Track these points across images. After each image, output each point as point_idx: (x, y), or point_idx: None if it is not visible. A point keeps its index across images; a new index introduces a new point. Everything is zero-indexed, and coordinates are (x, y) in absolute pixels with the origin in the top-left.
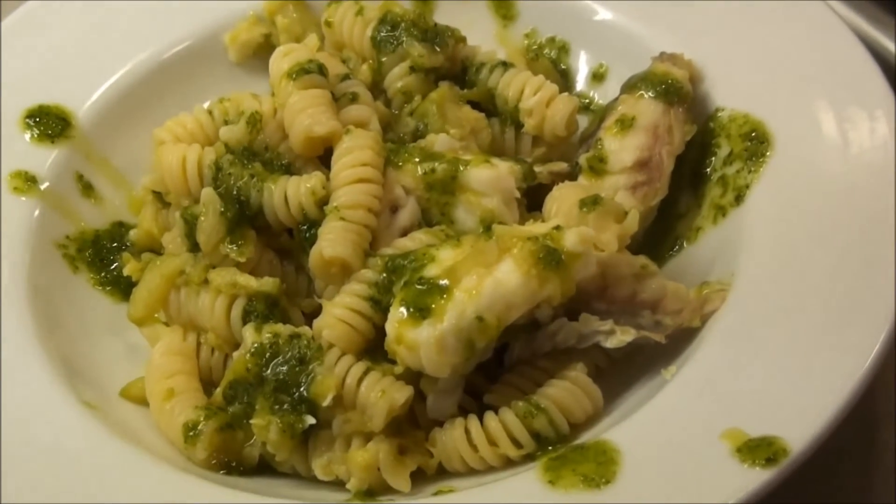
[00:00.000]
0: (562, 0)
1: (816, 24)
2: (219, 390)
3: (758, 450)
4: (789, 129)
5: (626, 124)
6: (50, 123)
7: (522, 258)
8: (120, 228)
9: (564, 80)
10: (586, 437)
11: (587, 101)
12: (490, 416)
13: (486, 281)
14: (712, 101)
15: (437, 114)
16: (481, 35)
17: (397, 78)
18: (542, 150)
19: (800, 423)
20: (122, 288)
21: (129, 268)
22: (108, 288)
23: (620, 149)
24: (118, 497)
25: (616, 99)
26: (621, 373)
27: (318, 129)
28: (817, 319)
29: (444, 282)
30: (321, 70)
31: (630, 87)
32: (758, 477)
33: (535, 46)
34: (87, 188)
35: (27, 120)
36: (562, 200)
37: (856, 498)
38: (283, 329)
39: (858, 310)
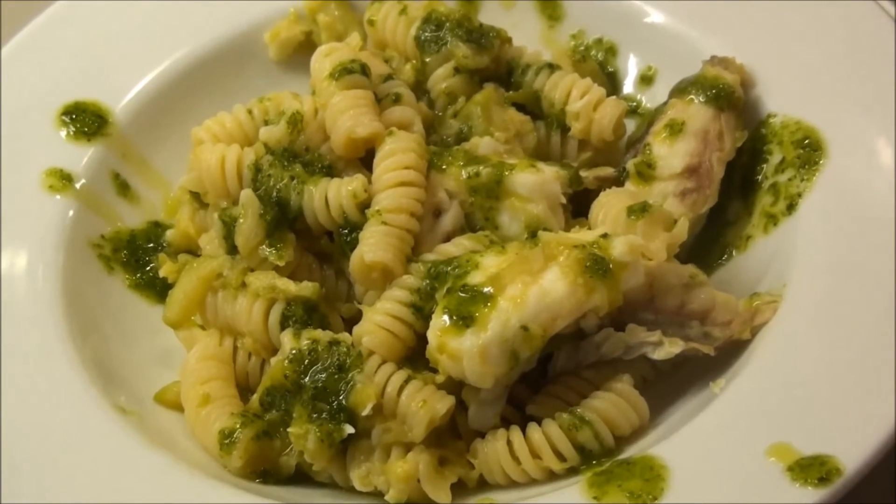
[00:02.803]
0: (610, 0)
1: (872, 29)
2: (255, 397)
3: (810, 469)
4: (843, 136)
5: (675, 129)
6: (86, 121)
7: (569, 266)
8: (156, 228)
9: (611, 82)
10: (632, 452)
11: (634, 104)
12: (533, 428)
13: (531, 289)
14: (764, 106)
15: (482, 116)
16: (526, 35)
17: (441, 79)
18: (588, 155)
19: (854, 442)
20: (158, 290)
21: (166, 269)
22: (143, 289)
23: (669, 154)
24: None
25: (665, 103)
26: (668, 385)
27: (360, 131)
28: (872, 333)
29: (488, 289)
30: (364, 70)
31: (680, 91)
32: (810, 497)
33: (581, 48)
34: (124, 187)
35: (63, 117)
36: (609, 207)
37: None
38: (323, 335)
39: None
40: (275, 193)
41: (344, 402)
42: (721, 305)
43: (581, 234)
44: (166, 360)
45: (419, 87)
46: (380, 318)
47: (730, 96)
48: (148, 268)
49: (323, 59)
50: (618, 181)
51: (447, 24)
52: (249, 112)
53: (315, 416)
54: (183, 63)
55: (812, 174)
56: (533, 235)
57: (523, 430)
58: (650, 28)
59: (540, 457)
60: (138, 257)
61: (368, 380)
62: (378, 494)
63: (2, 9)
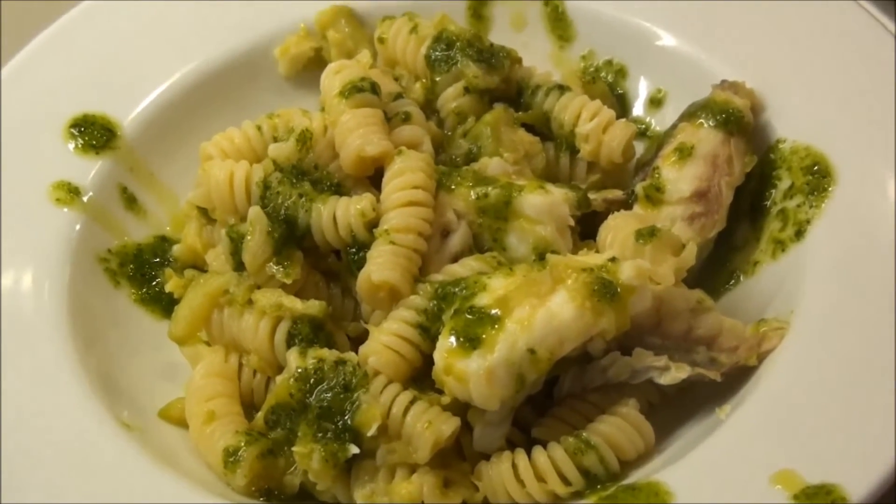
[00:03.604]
0: (621, 22)
1: (883, 55)
2: (260, 415)
3: (816, 497)
4: (853, 162)
5: (684, 153)
6: (95, 133)
7: (577, 290)
8: (163, 243)
9: (621, 104)
10: (637, 477)
11: (644, 126)
12: (538, 451)
13: (538, 312)
14: (774, 131)
15: (491, 136)
16: (537, 56)
17: (451, 98)
18: (597, 177)
19: (860, 470)
20: (164, 305)
21: (172, 284)
22: (149, 304)
23: (678, 178)
24: None
25: (674, 126)
26: (674, 410)
27: (369, 150)
28: (880, 361)
29: (495, 311)
30: (374, 89)
31: (689, 115)
32: None
33: (591, 69)
34: (131, 201)
35: (71, 129)
36: (617, 230)
37: None
38: (329, 354)
39: None
40: (283, 211)
41: (349, 421)
42: (728, 331)
43: (589, 258)
44: (171, 375)
45: (429, 107)
46: (386, 339)
47: (739, 121)
48: (154, 282)
49: (333, 77)
50: (626, 204)
51: (458, 44)
52: (258, 128)
53: (320, 435)
54: (192, 77)
55: (821, 201)
56: (541, 258)
57: (528, 452)
58: (660, 51)
59: (545, 480)
60: (144, 272)
61: (374, 400)
62: None
63: (2, 19)
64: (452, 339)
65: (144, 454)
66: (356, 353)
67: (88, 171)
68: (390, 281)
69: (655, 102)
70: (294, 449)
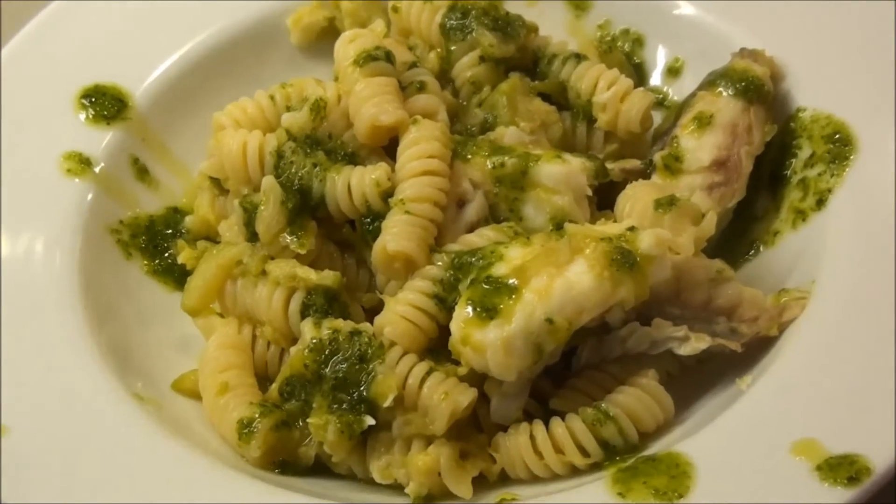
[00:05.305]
0: None
1: None
2: (274, 386)
3: (839, 468)
4: (874, 131)
5: (703, 122)
6: (106, 104)
7: (595, 259)
8: (175, 214)
9: (638, 73)
10: (656, 448)
11: (661, 96)
12: (556, 423)
13: (556, 282)
14: (794, 100)
15: (507, 106)
16: (553, 25)
17: (466, 67)
18: (614, 147)
19: (883, 440)
20: (176, 276)
21: (184, 256)
22: (161, 276)
23: (697, 147)
24: (167, 495)
25: (693, 95)
26: (693, 381)
27: (384, 119)
28: None
29: (512, 281)
30: (388, 57)
31: (708, 83)
32: (839, 497)
33: (608, 38)
34: (143, 172)
35: (83, 100)
36: (636, 200)
37: None
38: (344, 325)
39: None
40: (297, 181)
41: (365, 393)
42: (748, 301)
43: (608, 227)
44: (184, 347)
45: (443, 76)
46: (402, 309)
47: (759, 89)
48: (166, 254)
49: (347, 46)
50: (644, 174)
51: (473, 13)
52: (272, 98)
53: (335, 406)
54: (204, 47)
55: (842, 169)
56: (558, 227)
57: (546, 424)
58: (678, 19)
59: (563, 451)
60: (157, 243)
61: (390, 371)
62: (398, 487)
63: None
64: (469, 309)
65: (158, 426)
66: (371, 324)
67: (100, 141)
68: (406, 251)
69: (673, 72)
70: (309, 420)
